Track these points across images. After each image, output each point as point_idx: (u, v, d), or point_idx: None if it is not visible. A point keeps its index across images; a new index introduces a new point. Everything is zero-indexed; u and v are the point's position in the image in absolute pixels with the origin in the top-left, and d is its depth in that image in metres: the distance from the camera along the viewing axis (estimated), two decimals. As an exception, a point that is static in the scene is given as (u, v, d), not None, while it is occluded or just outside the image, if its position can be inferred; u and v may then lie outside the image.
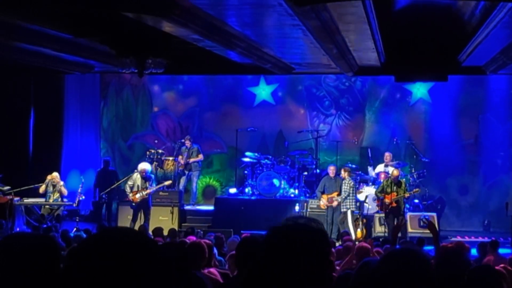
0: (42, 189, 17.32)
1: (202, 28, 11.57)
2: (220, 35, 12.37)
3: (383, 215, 17.18)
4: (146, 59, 12.94)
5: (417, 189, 17.19)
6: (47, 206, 17.31)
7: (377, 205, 16.87)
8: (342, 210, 16.91)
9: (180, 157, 19.31)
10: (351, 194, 16.91)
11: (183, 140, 19.52)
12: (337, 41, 12.54)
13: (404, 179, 17.20)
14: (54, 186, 17.33)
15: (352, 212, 16.88)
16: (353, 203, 16.92)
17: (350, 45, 13.49)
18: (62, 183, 17.53)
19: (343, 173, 17.20)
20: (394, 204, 16.29)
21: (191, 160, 19.16)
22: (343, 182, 17.04)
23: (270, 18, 11.49)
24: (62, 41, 13.40)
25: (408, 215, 17.26)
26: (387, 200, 16.30)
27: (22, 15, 11.33)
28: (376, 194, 16.87)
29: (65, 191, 17.43)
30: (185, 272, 5.22)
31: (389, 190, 16.37)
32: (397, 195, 16.31)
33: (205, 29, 11.71)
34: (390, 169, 18.41)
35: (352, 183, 17.07)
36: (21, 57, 15.33)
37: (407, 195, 16.51)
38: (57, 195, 17.29)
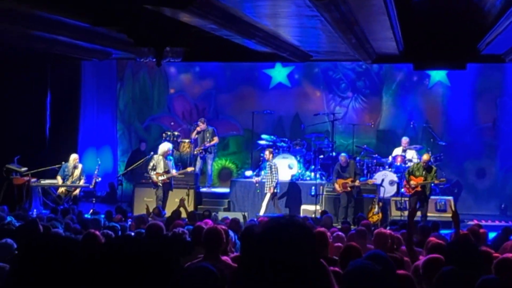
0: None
1: (220, 18, 11.55)
2: (238, 25, 12.34)
3: (399, 198, 17.21)
4: (164, 48, 12.91)
5: (443, 179, 17.08)
6: (64, 188, 17.41)
7: (404, 185, 16.84)
8: (265, 191, 17.16)
9: (193, 133, 19.17)
10: (274, 175, 17.06)
11: (198, 123, 19.33)
12: (356, 31, 12.46)
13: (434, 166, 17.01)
14: (75, 167, 17.41)
15: (272, 193, 17.07)
16: (274, 185, 17.05)
17: (369, 35, 13.39)
18: (81, 167, 17.57)
19: (267, 155, 17.40)
20: (419, 188, 16.28)
21: (207, 144, 19.06)
22: (267, 164, 17.19)
23: (288, 9, 11.42)
24: (80, 30, 13.36)
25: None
26: (413, 183, 16.31)
27: (40, 4, 11.32)
28: (405, 174, 16.84)
29: (83, 178, 17.52)
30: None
31: (418, 173, 16.38)
32: (424, 180, 16.28)
33: (223, 20, 11.69)
34: (408, 153, 18.38)
35: (275, 165, 17.20)
36: (39, 45, 15.32)
37: (436, 181, 16.46)
38: (76, 176, 17.36)
